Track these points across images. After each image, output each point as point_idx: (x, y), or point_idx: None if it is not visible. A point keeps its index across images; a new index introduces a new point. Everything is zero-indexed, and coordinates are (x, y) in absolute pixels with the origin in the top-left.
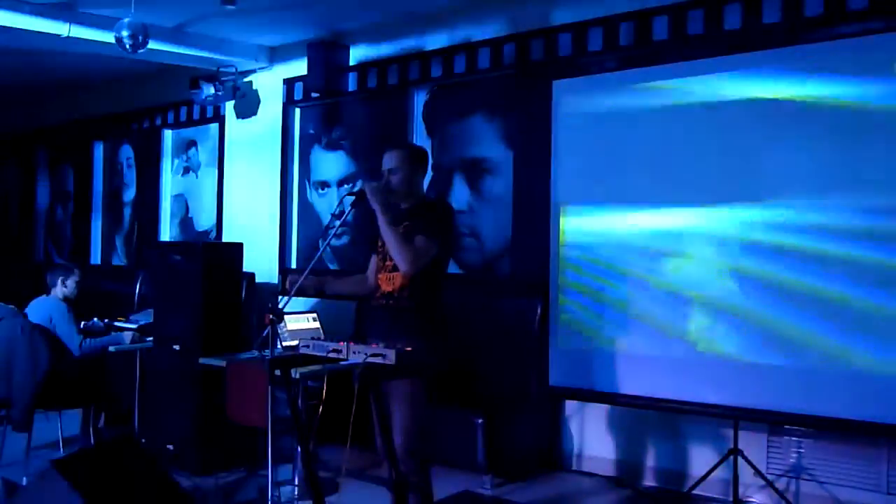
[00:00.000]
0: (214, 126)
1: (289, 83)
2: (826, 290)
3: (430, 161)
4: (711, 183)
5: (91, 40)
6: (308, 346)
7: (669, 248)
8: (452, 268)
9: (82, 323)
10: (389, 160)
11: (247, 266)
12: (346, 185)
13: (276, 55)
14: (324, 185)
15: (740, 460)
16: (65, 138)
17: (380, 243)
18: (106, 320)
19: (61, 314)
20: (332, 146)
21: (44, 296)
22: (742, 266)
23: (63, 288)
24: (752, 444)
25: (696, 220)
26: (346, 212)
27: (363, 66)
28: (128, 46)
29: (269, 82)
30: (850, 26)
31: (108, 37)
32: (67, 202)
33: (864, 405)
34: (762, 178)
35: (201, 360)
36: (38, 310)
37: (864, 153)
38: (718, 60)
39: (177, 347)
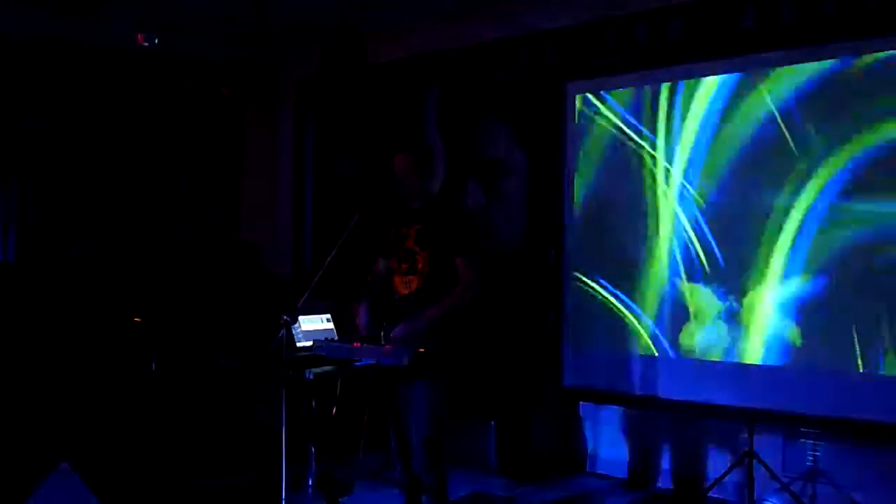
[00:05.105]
0: (230, 126)
1: (303, 84)
2: (843, 290)
3: (435, 160)
4: (726, 185)
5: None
6: (322, 348)
7: (685, 249)
8: None
9: None
10: (399, 163)
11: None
12: (359, 186)
13: (290, 56)
14: (338, 185)
15: (755, 463)
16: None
17: (392, 246)
18: None
19: None
20: (346, 147)
21: None
22: (756, 268)
23: None
24: (768, 446)
25: (712, 220)
26: (349, 229)
27: (377, 68)
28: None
29: (285, 83)
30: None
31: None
32: None
33: (881, 407)
34: (777, 185)
35: (217, 362)
36: None
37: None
38: (733, 60)
39: (193, 347)
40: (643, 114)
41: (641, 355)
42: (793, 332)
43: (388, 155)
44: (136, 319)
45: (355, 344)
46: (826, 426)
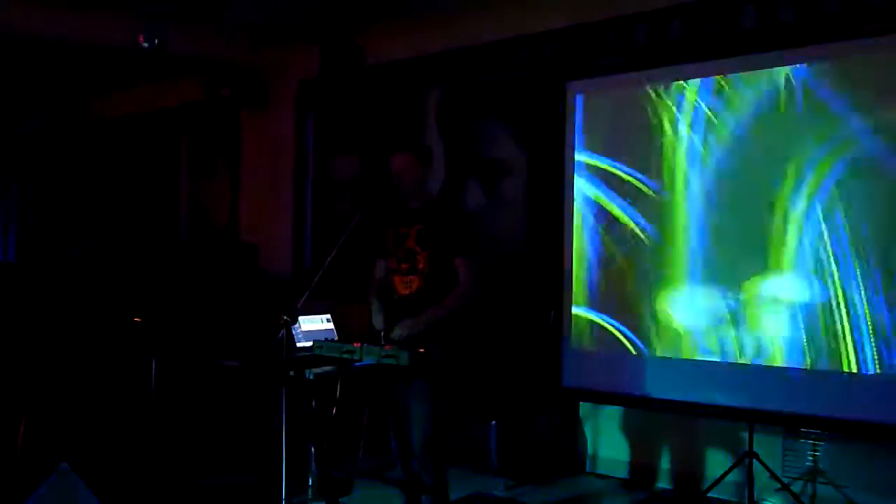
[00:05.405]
0: (230, 127)
1: (303, 84)
2: (841, 291)
3: (434, 159)
4: (724, 183)
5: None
6: (322, 348)
7: (684, 250)
8: None
9: None
10: (398, 163)
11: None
12: (360, 187)
13: (290, 57)
14: (338, 186)
15: (755, 463)
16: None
17: (391, 246)
18: None
19: None
20: (346, 148)
21: None
22: (754, 267)
23: None
24: (768, 446)
25: (711, 219)
26: (349, 230)
27: (377, 68)
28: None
29: (284, 84)
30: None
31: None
32: None
33: (881, 407)
34: (776, 184)
35: (217, 362)
36: None
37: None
38: (732, 60)
39: (193, 348)
40: (644, 111)
41: (641, 356)
42: (792, 332)
43: (388, 155)
44: (136, 319)
45: (355, 344)
46: (826, 426)
